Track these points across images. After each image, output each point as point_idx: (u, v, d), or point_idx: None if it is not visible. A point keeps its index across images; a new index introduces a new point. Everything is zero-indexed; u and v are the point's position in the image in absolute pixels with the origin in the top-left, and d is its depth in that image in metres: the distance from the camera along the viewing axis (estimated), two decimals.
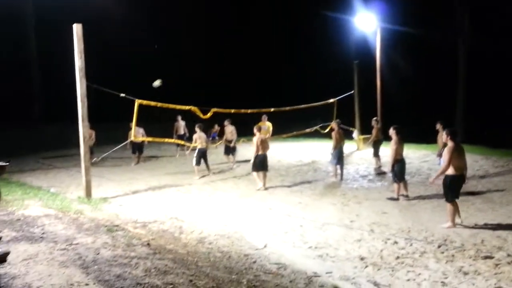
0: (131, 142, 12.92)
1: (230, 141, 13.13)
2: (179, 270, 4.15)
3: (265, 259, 5.18)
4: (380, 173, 11.25)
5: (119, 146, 11.21)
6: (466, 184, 9.40)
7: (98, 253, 4.37)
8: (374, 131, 11.99)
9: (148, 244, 5.08)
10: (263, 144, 9.68)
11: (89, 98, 8.52)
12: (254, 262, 5.05)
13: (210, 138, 16.97)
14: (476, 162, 12.11)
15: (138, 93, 10.56)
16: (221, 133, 15.28)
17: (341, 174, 10.63)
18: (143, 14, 27.38)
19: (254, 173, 9.76)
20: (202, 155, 11.29)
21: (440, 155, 9.28)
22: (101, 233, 5.27)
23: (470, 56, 20.83)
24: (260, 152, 9.62)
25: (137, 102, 10.13)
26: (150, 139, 13.35)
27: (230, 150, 13.18)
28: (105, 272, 3.81)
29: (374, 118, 12.32)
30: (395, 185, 8.36)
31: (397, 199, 8.24)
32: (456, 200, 6.51)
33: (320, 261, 5.21)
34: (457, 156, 6.35)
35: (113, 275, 3.72)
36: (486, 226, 6.39)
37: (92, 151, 12.02)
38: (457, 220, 6.48)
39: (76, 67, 8.32)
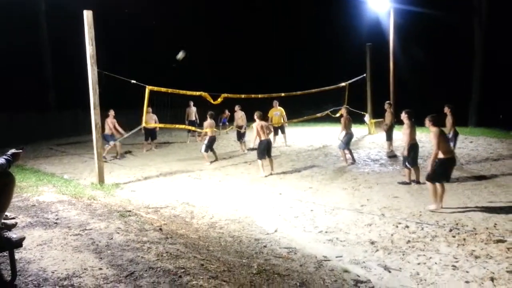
0: (144, 128, 12.96)
1: (240, 127, 13.16)
2: (190, 255, 4.21)
3: (275, 244, 5.22)
4: (392, 156, 11.16)
5: (131, 132, 11.30)
6: (481, 168, 9.38)
7: (111, 238, 4.45)
8: (387, 115, 11.80)
9: (160, 229, 5.15)
10: (263, 130, 9.63)
11: (100, 85, 8.56)
12: (265, 246, 5.10)
13: (221, 124, 17.04)
14: (490, 145, 11.95)
15: (148, 80, 10.60)
16: (232, 119, 15.33)
17: (352, 158, 10.64)
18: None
19: (259, 161, 9.66)
20: (212, 142, 11.35)
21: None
22: (114, 219, 5.36)
23: (487, 38, 20.30)
24: (262, 138, 9.63)
25: (148, 88, 10.15)
26: (161, 125, 13.44)
27: (241, 136, 13.22)
28: (118, 256, 3.88)
29: (387, 102, 12.13)
30: (406, 170, 8.29)
31: (409, 183, 8.18)
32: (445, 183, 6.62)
33: (330, 245, 5.23)
34: (443, 140, 6.51)
35: (126, 260, 3.79)
36: (499, 210, 6.32)
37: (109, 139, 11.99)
38: (440, 204, 6.45)
39: (88, 54, 8.34)
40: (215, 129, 11.52)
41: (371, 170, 9.86)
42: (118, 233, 4.69)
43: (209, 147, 11.29)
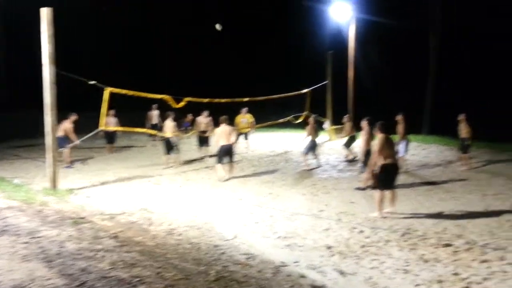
0: (105, 132, 12.66)
1: (204, 132, 13.05)
2: (146, 263, 4.13)
3: (234, 250, 5.23)
4: (351, 160, 11.50)
5: (88, 135, 10.92)
6: (432, 174, 9.83)
7: (62, 246, 4.29)
8: (346, 127, 12.03)
9: (116, 237, 5.02)
10: (223, 136, 9.57)
11: (58, 85, 8.24)
12: (223, 253, 5.09)
13: (183, 128, 16.83)
14: (441, 152, 12.56)
15: (111, 81, 10.34)
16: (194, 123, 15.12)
17: (317, 163, 11.13)
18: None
19: (218, 165, 9.66)
20: (169, 144, 11.23)
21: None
22: (66, 226, 5.17)
23: (442, 48, 21.32)
24: (224, 143, 9.56)
25: (107, 90, 9.88)
26: (121, 128, 13.07)
27: (203, 142, 13.11)
28: (69, 265, 3.75)
29: (346, 116, 12.50)
30: (363, 175, 8.57)
31: (365, 189, 8.46)
32: (392, 191, 6.73)
33: (289, 250, 5.30)
34: (387, 147, 6.61)
35: (77, 269, 3.67)
36: (448, 215, 6.65)
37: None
38: (390, 209, 6.66)
39: (44, 52, 7.99)
40: (172, 132, 11.36)
41: (329, 176, 10.09)
42: (70, 241, 4.53)
43: (168, 149, 11.22)
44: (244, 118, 13.91)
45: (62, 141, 10.96)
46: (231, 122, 10.60)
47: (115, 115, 13.53)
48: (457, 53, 23.76)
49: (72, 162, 11.56)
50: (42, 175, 9.70)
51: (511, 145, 13.99)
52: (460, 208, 7.05)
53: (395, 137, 10.07)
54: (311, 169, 10.69)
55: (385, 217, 6.52)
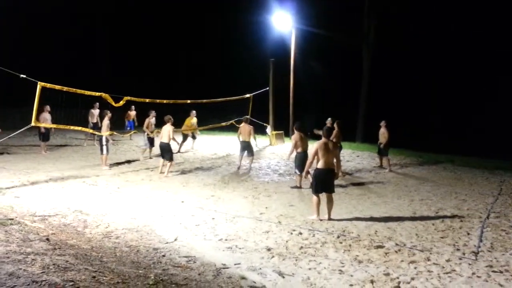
0: (39, 129, 12.21)
1: (152, 132, 12.68)
2: (81, 266, 3.95)
3: (174, 253, 5.15)
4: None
5: (17, 132, 10.18)
6: (365, 180, 10.37)
7: None
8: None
9: (47, 239, 4.74)
10: (165, 134, 10.29)
11: None
12: (163, 256, 5.00)
13: (128, 128, 16.23)
14: (373, 159, 13.27)
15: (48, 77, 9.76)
16: (141, 123, 14.69)
17: (238, 163, 11.59)
18: None
19: (160, 160, 10.51)
20: (102, 143, 10.90)
21: None
22: None
23: (375, 60, 22.60)
24: (161, 140, 10.41)
25: (40, 84, 9.30)
26: (54, 125, 12.31)
27: (151, 141, 12.73)
28: None
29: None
30: (297, 176, 9.21)
31: (300, 187, 9.09)
32: (325, 194, 6.93)
33: (230, 252, 5.33)
34: (325, 152, 6.81)
35: (4, 273, 3.41)
36: (379, 218, 7.06)
37: None
38: (326, 215, 6.91)
39: None
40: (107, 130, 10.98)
41: (270, 179, 10.28)
42: None
43: (104, 147, 10.83)
44: (193, 120, 14.15)
45: None
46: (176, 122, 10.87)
47: (50, 112, 12.76)
48: (390, 65, 25.34)
49: None
50: None
51: (438, 154, 15.19)
52: (391, 212, 7.51)
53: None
54: (241, 169, 11.34)
55: (321, 220, 6.78)
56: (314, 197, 6.91)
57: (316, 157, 6.85)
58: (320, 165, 6.83)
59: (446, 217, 7.19)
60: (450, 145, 17.64)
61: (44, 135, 12.84)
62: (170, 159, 10.33)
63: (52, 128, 12.81)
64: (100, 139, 11.07)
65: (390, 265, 5.01)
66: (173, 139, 10.37)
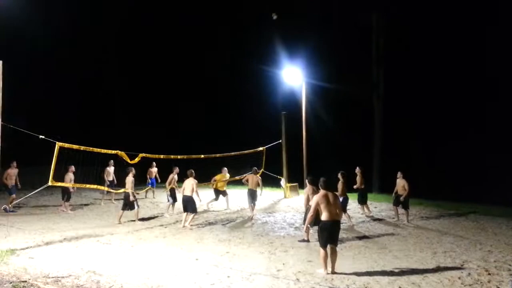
0: (65, 189, 12.78)
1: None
2: None
3: None
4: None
5: (35, 191, 10.33)
6: (385, 232, 10.07)
7: None
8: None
9: None
10: (188, 187, 10.70)
11: (4, 139, 7.91)
12: None
13: (149, 185, 16.21)
14: (392, 211, 12.94)
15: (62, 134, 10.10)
16: (164, 179, 14.81)
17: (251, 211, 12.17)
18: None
19: (184, 214, 10.84)
20: (126, 200, 11.18)
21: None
22: None
23: (385, 108, 22.83)
24: (184, 193, 10.75)
25: (58, 145, 9.56)
26: (70, 184, 12.45)
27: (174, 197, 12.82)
28: None
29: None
30: (305, 229, 8.98)
31: (308, 241, 8.94)
32: (332, 247, 6.75)
33: None
34: (327, 204, 6.72)
35: None
36: (402, 273, 6.75)
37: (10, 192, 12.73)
38: (328, 269, 6.68)
39: None
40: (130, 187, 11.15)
41: (286, 233, 10.05)
42: None
43: (127, 204, 11.15)
44: (227, 176, 14.39)
45: (14, 189, 12.72)
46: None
47: (74, 172, 13.01)
48: (401, 109, 25.54)
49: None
50: None
51: (458, 203, 14.80)
52: (414, 266, 7.20)
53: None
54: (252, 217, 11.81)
55: (331, 273, 6.59)
56: (322, 251, 6.72)
57: (319, 209, 6.77)
58: (324, 217, 6.72)
59: (473, 270, 6.86)
60: (470, 191, 17.22)
61: (68, 195, 13.11)
62: (193, 211, 10.71)
63: (74, 187, 13.05)
64: (127, 196, 11.15)
65: None
66: (196, 192, 10.71)
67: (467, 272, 6.77)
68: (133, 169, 11.42)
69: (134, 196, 11.24)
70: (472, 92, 25.20)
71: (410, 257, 7.78)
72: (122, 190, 11.65)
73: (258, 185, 12.35)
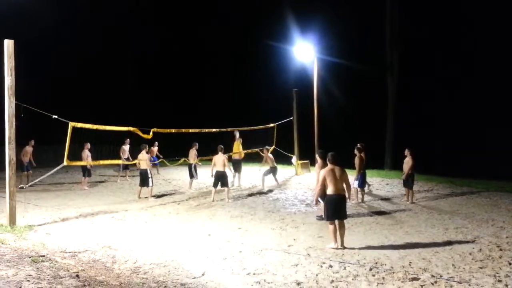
0: (82, 166, 13.09)
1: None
2: None
3: None
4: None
5: (52, 171, 10.52)
6: (396, 208, 10.07)
7: (19, 287, 4.03)
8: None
9: (77, 276, 4.78)
10: (218, 162, 11.09)
11: (19, 118, 8.03)
12: None
13: (152, 163, 16.39)
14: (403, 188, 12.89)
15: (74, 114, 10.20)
16: (184, 155, 14.94)
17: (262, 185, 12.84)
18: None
19: (213, 188, 11.31)
20: (147, 175, 11.46)
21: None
22: (24, 265, 4.88)
23: (399, 88, 22.44)
24: (216, 169, 11.11)
25: (71, 124, 9.66)
26: (84, 162, 12.66)
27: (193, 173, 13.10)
28: None
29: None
30: (322, 205, 8.77)
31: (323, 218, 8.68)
32: (340, 221, 6.83)
33: (258, 287, 5.21)
34: (333, 178, 6.77)
35: None
36: (413, 249, 6.78)
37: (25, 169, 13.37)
38: (338, 243, 6.76)
39: (6, 85, 7.84)
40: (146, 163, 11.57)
41: (297, 210, 10.13)
42: (28, 281, 4.28)
43: (144, 180, 11.46)
44: (239, 143, 14.41)
45: (29, 166, 13.55)
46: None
47: (90, 149, 13.30)
48: (415, 90, 25.13)
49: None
50: None
51: (470, 180, 14.66)
52: (425, 241, 7.22)
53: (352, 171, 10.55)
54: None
55: (341, 248, 6.67)
56: (330, 225, 6.81)
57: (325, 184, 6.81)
58: (330, 191, 6.80)
59: (484, 246, 6.85)
60: (483, 168, 17.04)
61: (89, 171, 13.50)
62: (227, 185, 11.25)
63: (91, 165, 13.37)
64: (145, 172, 11.44)
65: None
66: (228, 167, 11.13)
67: (479, 247, 6.77)
68: (146, 146, 11.75)
69: (151, 173, 11.50)
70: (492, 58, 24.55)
71: (421, 233, 7.80)
72: (135, 161, 11.94)
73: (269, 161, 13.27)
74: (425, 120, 25.92)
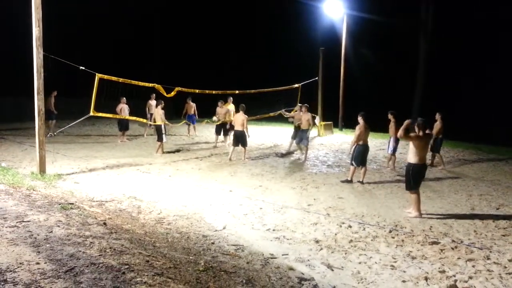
0: (118, 119, 13.57)
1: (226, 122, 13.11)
2: (135, 250, 4.10)
3: (223, 241, 5.22)
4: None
5: (77, 121, 10.80)
6: None
7: (50, 231, 4.23)
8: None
9: (104, 224, 4.97)
10: (237, 122, 10.97)
11: (46, 69, 8.13)
12: (213, 243, 5.09)
13: (189, 122, 16.21)
14: (429, 152, 12.64)
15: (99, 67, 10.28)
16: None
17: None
18: None
19: (231, 147, 11.15)
20: (161, 131, 11.58)
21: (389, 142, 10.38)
22: (54, 211, 5.10)
23: (430, 49, 21.53)
24: (236, 129, 11.03)
25: (98, 76, 9.75)
26: (110, 115, 12.84)
27: (226, 131, 13.20)
28: (58, 251, 3.70)
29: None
30: (351, 168, 8.68)
31: (351, 181, 8.62)
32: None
33: (278, 243, 5.32)
34: (423, 148, 6.52)
35: (65, 254, 3.62)
36: (434, 213, 6.74)
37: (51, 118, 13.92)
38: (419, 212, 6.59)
39: (34, 36, 7.88)
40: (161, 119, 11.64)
41: (319, 171, 10.14)
42: (59, 226, 4.48)
43: (160, 135, 11.59)
44: (226, 107, 13.76)
45: (52, 115, 14.08)
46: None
47: (126, 103, 13.53)
48: (446, 57, 24.00)
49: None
50: (30, 159, 9.59)
51: (498, 147, 14.25)
52: (447, 207, 7.15)
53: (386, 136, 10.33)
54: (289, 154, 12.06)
55: (423, 217, 6.48)
56: (413, 195, 6.57)
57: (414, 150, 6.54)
58: (416, 160, 6.50)
59: (508, 214, 6.73)
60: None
61: (125, 125, 13.88)
62: (245, 144, 11.08)
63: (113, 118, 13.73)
64: (159, 127, 11.58)
65: (446, 262, 4.77)
66: (246, 128, 11.01)
67: (503, 215, 6.66)
68: (162, 102, 11.82)
69: (165, 128, 11.65)
70: None
71: (444, 199, 7.71)
72: (154, 123, 11.98)
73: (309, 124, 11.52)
74: (454, 87, 24.91)
